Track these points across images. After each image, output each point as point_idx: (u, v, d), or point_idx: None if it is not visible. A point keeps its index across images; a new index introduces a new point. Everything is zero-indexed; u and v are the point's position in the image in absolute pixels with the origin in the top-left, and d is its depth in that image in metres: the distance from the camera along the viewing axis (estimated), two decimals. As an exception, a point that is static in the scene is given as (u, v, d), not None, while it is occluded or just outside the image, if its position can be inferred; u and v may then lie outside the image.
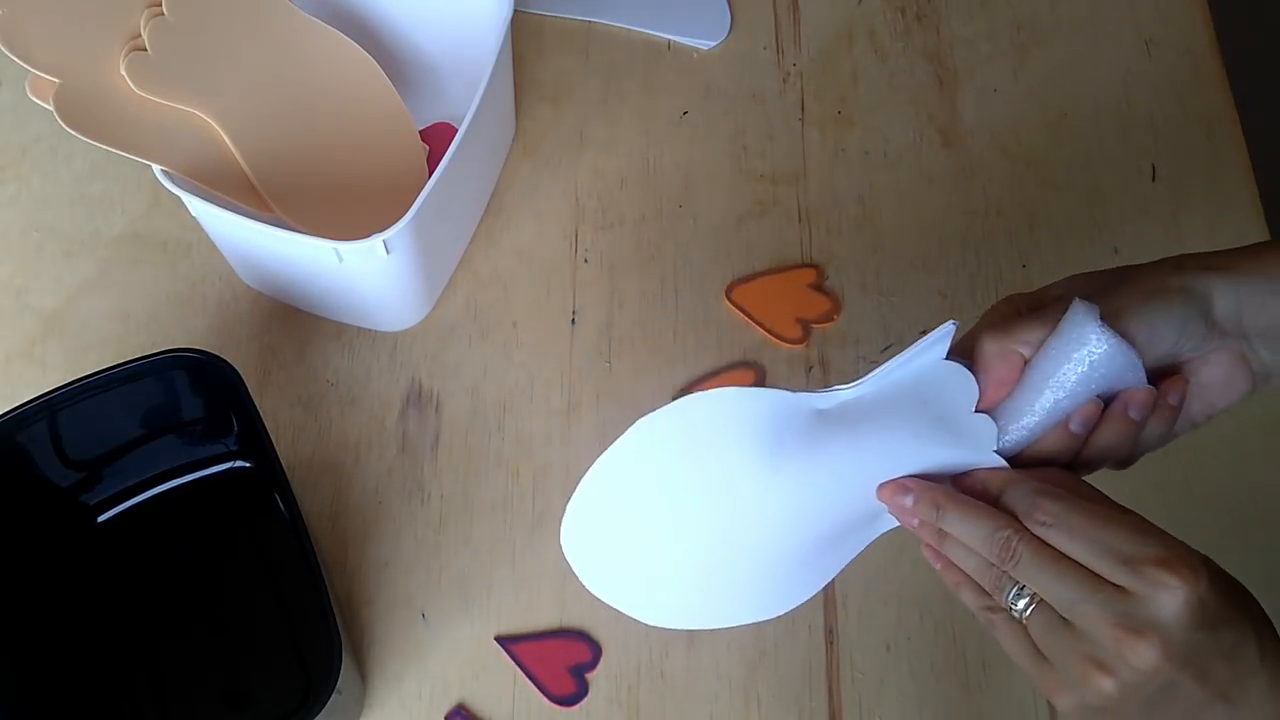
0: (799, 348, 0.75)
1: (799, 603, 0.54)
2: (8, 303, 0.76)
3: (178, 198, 0.66)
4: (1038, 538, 0.47)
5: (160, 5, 0.66)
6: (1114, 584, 0.44)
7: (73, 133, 0.62)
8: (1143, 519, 0.46)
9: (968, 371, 0.52)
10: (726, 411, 0.51)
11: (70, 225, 0.78)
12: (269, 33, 0.70)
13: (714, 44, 0.85)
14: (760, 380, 0.74)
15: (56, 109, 0.62)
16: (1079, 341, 0.49)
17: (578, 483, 0.71)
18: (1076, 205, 0.80)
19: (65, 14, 0.63)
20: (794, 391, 0.52)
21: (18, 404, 0.60)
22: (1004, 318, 0.53)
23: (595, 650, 0.67)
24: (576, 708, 0.66)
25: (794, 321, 0.76)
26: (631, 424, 0.49)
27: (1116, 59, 0.85)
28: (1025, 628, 0.48)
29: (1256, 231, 0.78)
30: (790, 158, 0.81)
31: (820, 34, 0.86)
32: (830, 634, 0.67)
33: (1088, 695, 0.46)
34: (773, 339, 0.75)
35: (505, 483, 0.71)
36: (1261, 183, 0.80)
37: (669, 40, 0.86)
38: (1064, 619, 0.46)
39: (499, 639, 0.67)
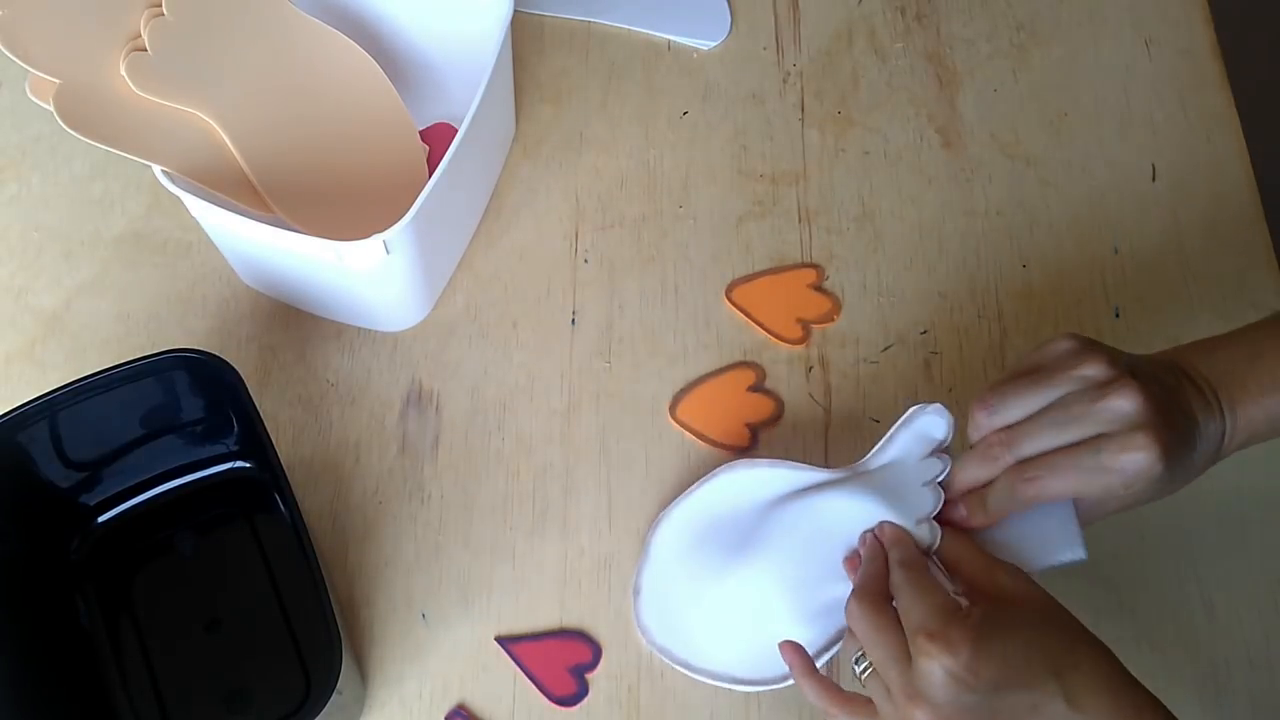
0: (799, 348, 0.75)
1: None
2: (8, 303, 0.76)
3: (178, 198, 0.66)
4: (872, 606, 0.54)
5: (160, 5, 0.66)
6: (909, 652, 0.51)
7: (73, 133, 0.62)
8: (946, 595, 0.52)
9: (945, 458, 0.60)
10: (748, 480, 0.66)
11: (70, 225, 0.78)
12: (269, 33, 0.70)
13: (714, 44, 0.85)
14: (760, 381, 0.74)
15: (56, 109, 0.62)
16: (1064, 552, 0.57)
17: (578, 483, 0.72)
18: (1076, 205, 0.80)
19: (65, 14, 0.63)
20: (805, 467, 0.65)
21: (18, 404, 0.60)
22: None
23: (595, 650, 0.67)
24: (576, 708, 0.66)
25: (794, 321, 0.76)
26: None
27: (1116, 59, 0.85)
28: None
29: (1256, 231, 0.78)
30: (790, 158, 0.81)
31: (820, 34, 0.86)
32: (830, 634, 0.67)
33: None
34: (773, 339, 0.75)
35: (505, 483, 0.71)
36: (1262, 183, 0.80)
37: (669, 40, 0.86)
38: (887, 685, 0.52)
39: (499, 639, 0.67)
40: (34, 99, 0.63)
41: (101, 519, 0.68)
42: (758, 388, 0.74)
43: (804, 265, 0.78)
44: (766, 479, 0.65)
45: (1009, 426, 0.55)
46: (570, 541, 0.70)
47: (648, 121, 0.83)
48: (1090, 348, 0.55)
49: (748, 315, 0.76)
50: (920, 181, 0.81)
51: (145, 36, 0.65)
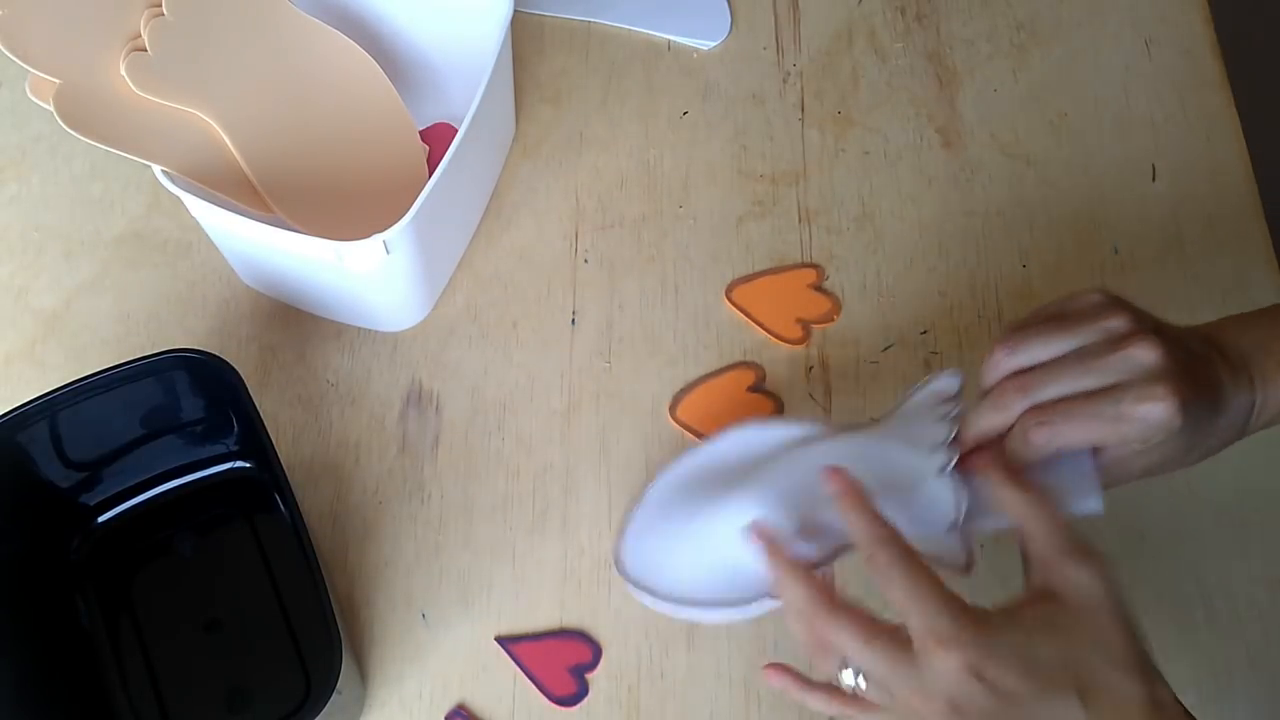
0: (799, 348, 0.75)
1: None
2: (8, 303, 0.76)
3: (178, 198, 0.66)
4: (855, 615, 0.51)
5: (160, 5, 0.66)
6: (909, 656, 0.49)
7: (73, 133, 0.62)
8: (950, 594, 0.49)
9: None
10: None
11: (70, 225, 0.78)
12: (269, 33, 0.70)
13: (714, 44, 0.85)
14: (760, 381, 0.74)
15: (56, 109, 0.62)
16: (1079, 502, 0.54)
17: (578, 483, 0.72)
18: (1076, 205, 0.80)
19: (65, 14, 0.63)
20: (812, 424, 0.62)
21: (18, 404, 0.60)
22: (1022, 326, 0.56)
23: (595, 650, 0.67)
24: (576, 708, 0.66)
25: (794, 321, 0.76)
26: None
27: (1116, 59, 0.85)
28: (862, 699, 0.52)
29: (1256, 231, 0.78)
30: (790, 158, 0.81)
31: (820, 34, 0.86)
32: (830, 634, 0.67)
33: None
34: (773, 339, 0.75)
35: (505, 483, 0.71)
36: (1262, 183, 0.80)
37: (669, 40, 0.86)
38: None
39: (499, 639, 0.67)
40: (34, 99, 0.63)
41: (101, 519, 0.68)
42: (758, 388, 0.74)
43: (804, 265, 0.78)
44: (779, 435, 0.63)
45: (1024, 371, 0.54)
46: (570, 541, 0.70)
47: (648, 121, 0.83)
48: (1118, 303, 0.54)
49: (748, 315, 0.76)
50: (920, 181, 0.81)
51: (145, 36, 0.65)
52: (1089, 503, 0.55)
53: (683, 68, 0.85)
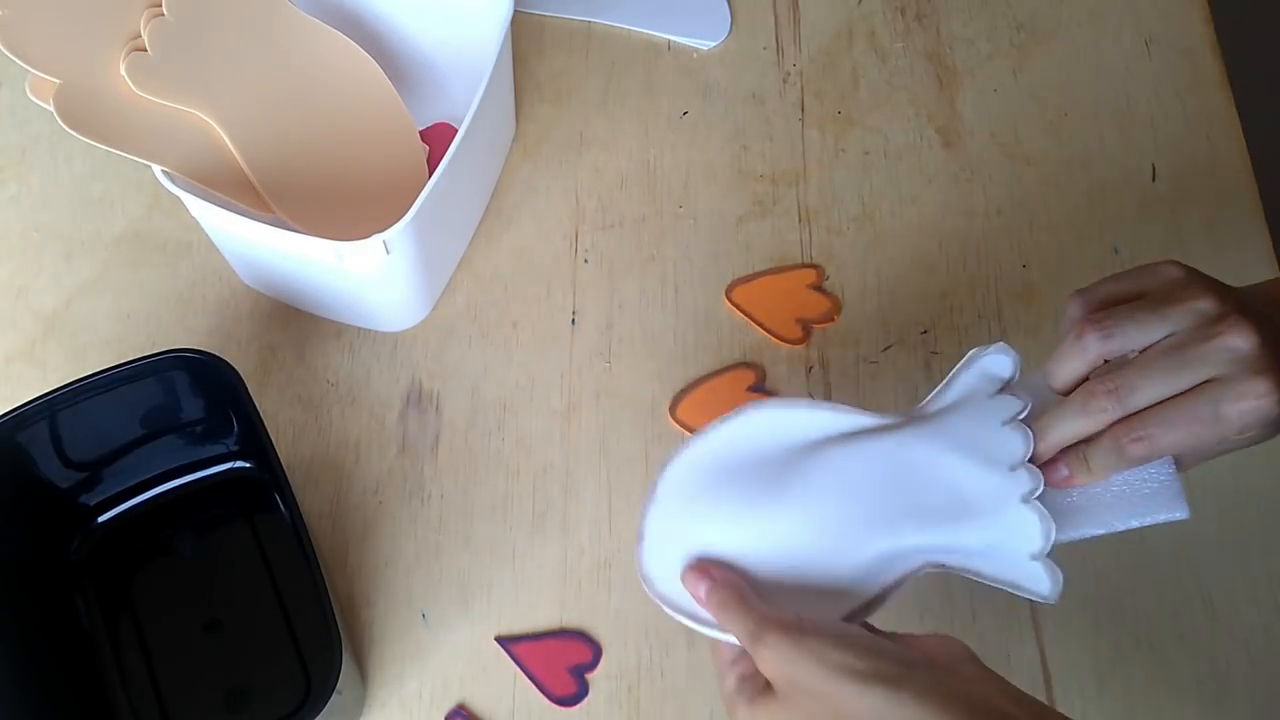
0: (799, 348, 0.75)
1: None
2: (8, 303, 0.76)
3: (178, 198, 0.66)
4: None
5: (160, 5, 0.66)
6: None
7: (73, 133, 0.62)
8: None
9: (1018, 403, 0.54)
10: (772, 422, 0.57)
11: (70, 225, 0.78)
12: (269, 33, 0.70)
13: (714, 44, 0.85)
14: (760, 381, 0.74)
15: (56, 109, 0.62)
16: (1164, 509, 0.53)
17: (578, 483, 0.72)
18: (1076, 205, 0.80)
19: (65, 14, 0.63)
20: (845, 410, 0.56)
21: (18, 404, 0.60)
22: (1103, 304, 0.53)
23: (595, 650, 0.67)
24: (576, 708, 0.66)
25: (794, 321, 0.76)
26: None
27: (1116, 59, 0.85)
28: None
29: (1256, 231, 0.78)
30: (790, 158, 0.82)
31: (820, 34, 0.86)
32: (830, 634, 0.67)
33: None
34: (773, 339, 0.75)
35: (505, 483, 0.71)
36: (1261, 183, 0.80)
37: (669, 40, 0.86)
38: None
39: (499, 639, 0.67)
40: (34, 99, 0.63)
41: (101, 519, 0.68)
42: (758, 388, 0.74)
43: (804, 265, 0.78)
44: (803, 421, 0.56)
45: (1111, 369, 0.51)
46: (570, 541, 0.70)
47: (648, 121, 0.83)
48: (1199, 278, 0.51)
49: (748, 315, 0.76)
50: (920, 181, 0.81)
51: (145, 36, 0.65)
52: (1176, 512, 0.52)
53: (683, 68, 0.85)
